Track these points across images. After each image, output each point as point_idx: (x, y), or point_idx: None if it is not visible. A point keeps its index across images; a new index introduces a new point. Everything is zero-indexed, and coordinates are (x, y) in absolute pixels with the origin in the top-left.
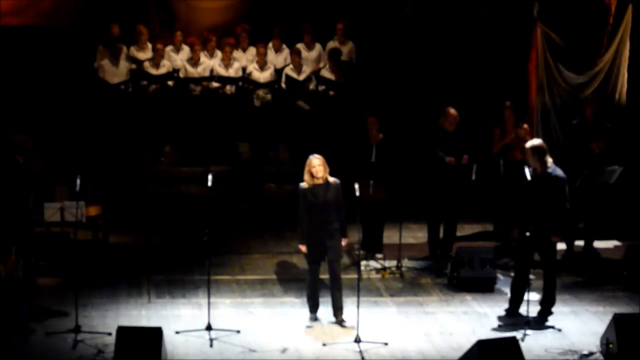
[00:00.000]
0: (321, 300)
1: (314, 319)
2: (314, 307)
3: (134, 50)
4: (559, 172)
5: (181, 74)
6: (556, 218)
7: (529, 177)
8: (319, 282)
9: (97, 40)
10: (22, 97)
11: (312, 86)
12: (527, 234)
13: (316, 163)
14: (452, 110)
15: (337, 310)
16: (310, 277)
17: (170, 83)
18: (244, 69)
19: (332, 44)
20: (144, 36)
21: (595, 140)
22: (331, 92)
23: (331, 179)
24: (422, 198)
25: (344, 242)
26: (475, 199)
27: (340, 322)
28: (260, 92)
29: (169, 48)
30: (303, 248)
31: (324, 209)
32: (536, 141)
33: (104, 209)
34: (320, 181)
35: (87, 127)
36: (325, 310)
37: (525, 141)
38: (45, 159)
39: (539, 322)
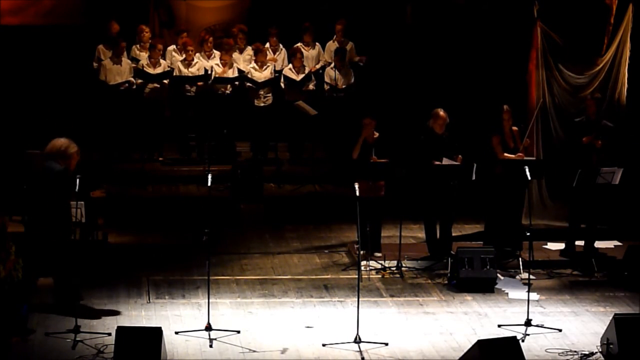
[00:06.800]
0: (320, 300)
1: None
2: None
3: (135, 50)
4: None
5: (175, 74)
6: None
7: (529, 177)
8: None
9: (97, 39)
10: (22, 97)
11: (311, 86)
12: (528, 233)
13: None
14: (442, 112)
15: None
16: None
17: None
18: (241, 70)
19: (332, 44)
20: (147, 35)
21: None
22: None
23: None
24: (416, 198)
25: None
26: (475, 199)
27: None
28: (261, 92)
29: (171, 48)
30: None
31: None
32: None
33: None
34: None
35: (88, 127)
36: (325, 310)
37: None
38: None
39: None
